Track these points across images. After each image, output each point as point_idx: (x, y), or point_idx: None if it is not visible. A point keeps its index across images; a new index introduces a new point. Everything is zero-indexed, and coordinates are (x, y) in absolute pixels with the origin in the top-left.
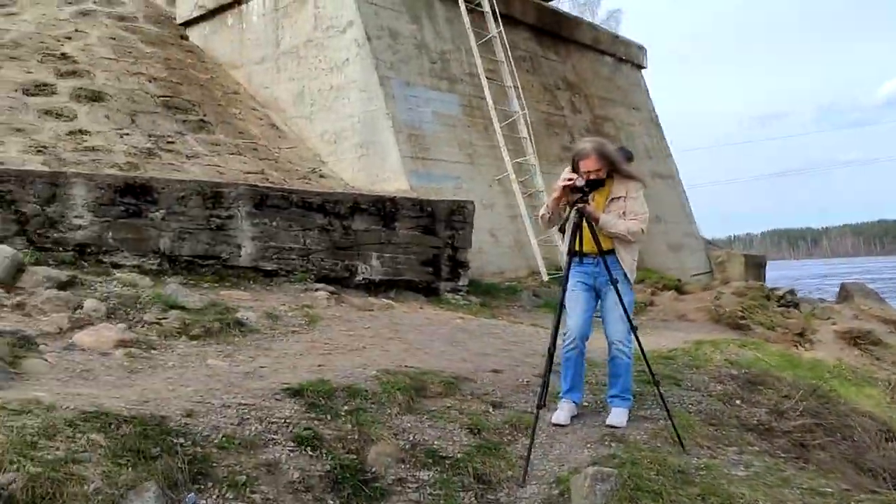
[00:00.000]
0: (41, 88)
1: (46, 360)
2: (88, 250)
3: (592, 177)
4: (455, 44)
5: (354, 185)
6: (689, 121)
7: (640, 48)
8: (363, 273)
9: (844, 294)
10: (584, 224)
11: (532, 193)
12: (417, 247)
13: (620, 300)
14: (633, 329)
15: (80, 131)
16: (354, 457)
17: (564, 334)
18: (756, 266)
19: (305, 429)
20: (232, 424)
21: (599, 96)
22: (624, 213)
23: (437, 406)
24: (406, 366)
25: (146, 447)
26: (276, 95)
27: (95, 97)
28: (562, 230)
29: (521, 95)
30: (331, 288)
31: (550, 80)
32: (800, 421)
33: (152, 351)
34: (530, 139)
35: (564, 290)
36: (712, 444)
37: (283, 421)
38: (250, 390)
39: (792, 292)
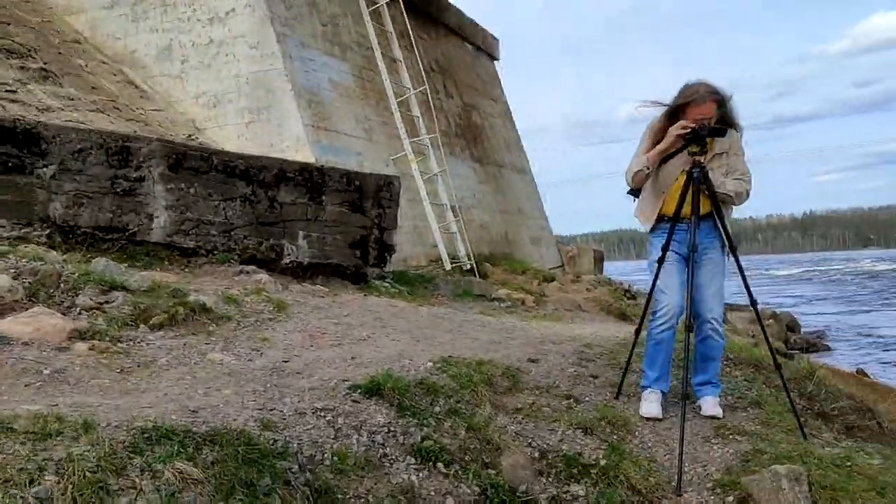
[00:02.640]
0: None
1: None
2: None
3: (710, 125)
4: (342, 8)
5: None
6: None
7: (495, 39)
8: (290, 254)
9: None
10: (692, 183)
11: (430, 177)
12: (345, 226)
13: (741, 272)
14: (754, 304)
15: None
16: (494, 472)
17: (655, 312)
18: (600, 261)
19: (424, 439)
20: (329, 438)
21: (466, 83)
22: (727, 171)
23: (520, 403)
24: (450, 356)
25: (253, 477)
26: (133, 48)
27: None
28: (635, 193)
29: (418, 71)
30: (262, 271)
31: (425, 61)
32: (835, 404)
33: (120, 344)
34: (430, 118)
35: (661, 261)
36: (813, 431)
37: (385, 429)
38: (309, 391)
39: (629, 287)
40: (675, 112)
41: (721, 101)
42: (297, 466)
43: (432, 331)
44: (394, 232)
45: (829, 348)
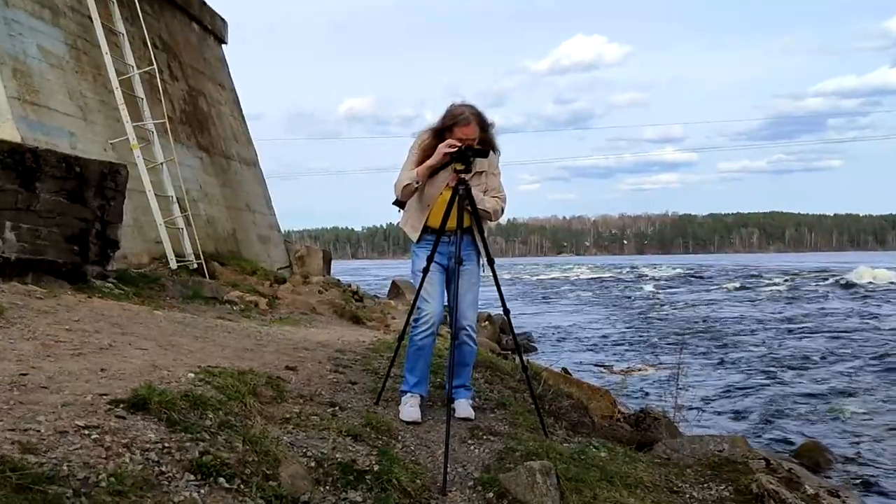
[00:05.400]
0: None
1: None
2: None
3: (474, 146)
4: None
5: None
6: None
7: (224, 21)
8: None
9: (396, 290)
10: (457, 199)
11: (154, 167)
12: (63, 217)
13: (497, 283)
14: (506, 312)
15: None
16: (275, 483)
17: (417, 320)
18: (328, 262)
19: (202, 454)
20: (101, 458)
21: (192, 66)
22: (486, 189)
23: (287, 413)
24: (209, 365)
25: None
26: None
27: None
28: (401, 204)
29: (142, 48)
30: None
31: (149, 38)
32: (560, 403)
33: None
34: (155, 101)
35: (426, 271)
36: (550, 429)
37: (159, 446)
38: (63, 408)
39: (357, 289)
40: (441, 131)
41: (483, 125)
42: (71, 491)
43: (178, 338)
44: (118, 226)
45: (535, 349)
